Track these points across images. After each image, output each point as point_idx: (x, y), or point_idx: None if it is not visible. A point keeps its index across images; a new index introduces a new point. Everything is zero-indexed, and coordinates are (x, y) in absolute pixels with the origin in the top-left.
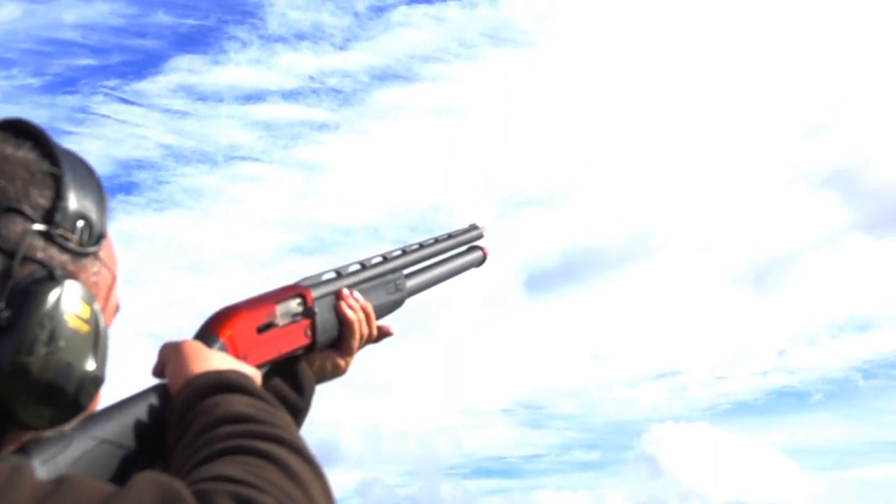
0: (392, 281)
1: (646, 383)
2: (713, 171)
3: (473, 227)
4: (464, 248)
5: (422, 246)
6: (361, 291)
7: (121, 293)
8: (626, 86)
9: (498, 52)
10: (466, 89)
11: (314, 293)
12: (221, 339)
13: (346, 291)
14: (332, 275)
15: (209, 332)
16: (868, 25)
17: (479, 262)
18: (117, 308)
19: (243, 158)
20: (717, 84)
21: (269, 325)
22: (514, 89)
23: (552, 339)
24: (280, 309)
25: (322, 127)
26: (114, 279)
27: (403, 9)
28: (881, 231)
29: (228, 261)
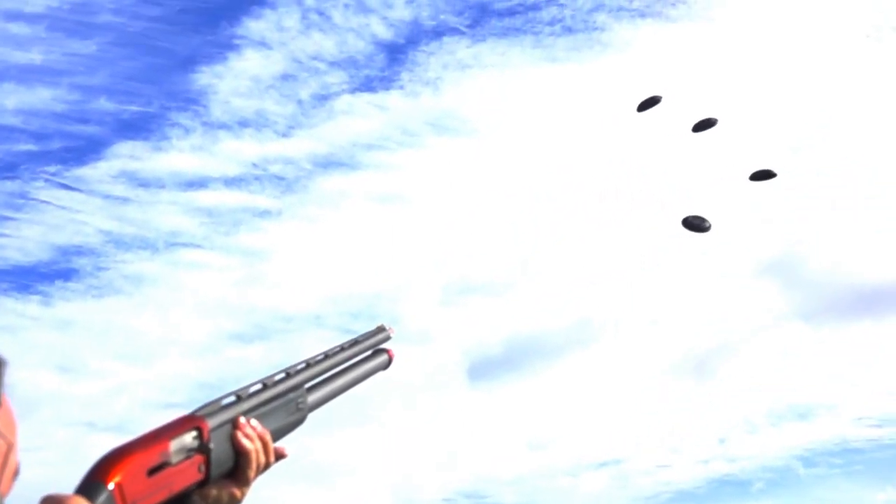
0: (293, 400)
1: (588, 472)
2: (654, 259)
3: (380, 330)
4: (370, 352)
5: (327, 356)
6: (261, 416)
7: (21, 456)
8: (568, 173)
9: (440, 140)
10: (410, 177)
11: (211, 423)
12: (109, 487)
13: (243, 420)
14: (233, 398)
15: (96, 480)
16: (807, 117)
17: (385, 366)
18: (16, 472)
19: (185, 245)
20: (654, 173)
21: (162, 466)
22: (456, 177)
23: (494, 428)
24: (174, 445)
25: (264, 214)
26: (10, 446)
27: (347, 97)
28: (820, 320)
29: (167, 348)
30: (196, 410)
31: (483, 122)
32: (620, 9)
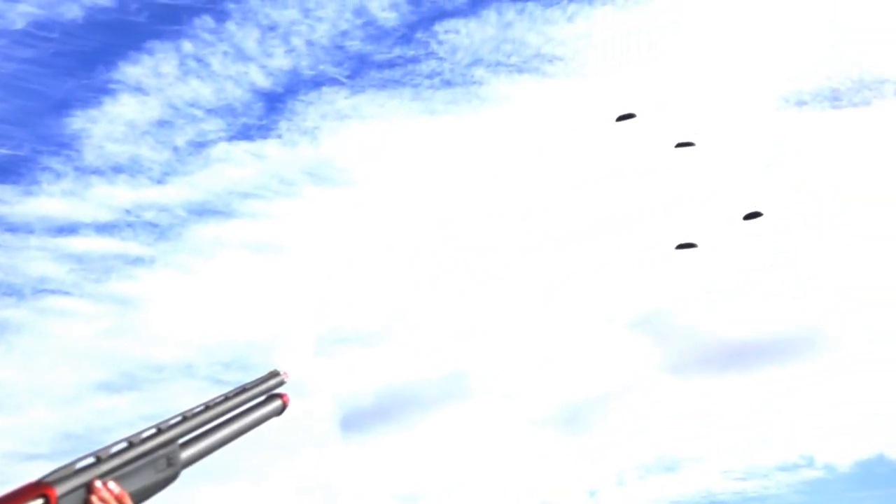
0: (163, 456)
1: None
2: (528, 314)
3: (273, 375)
4: (263, 398)
5: (208, 407)
6: (123, 476)
7: None
8: (444, 225)
9: (318, 189)
10: (285, 226)
11: (60, 489)
12: None
13: (98, 484)
14: (91, 460)
15: None
16: (667, 186)
17: (279, 412)
18: None
19: (53, 292)
20: (531, 227)
21: None
22: (333, 227)
23: (366, 480)
24: None
25: (137, 261)
26: None
27: (223, 145)
28: (687, 373)
29: (33, 397)
30: (46, 476)
31: (361, 173)
32: (499, 64)
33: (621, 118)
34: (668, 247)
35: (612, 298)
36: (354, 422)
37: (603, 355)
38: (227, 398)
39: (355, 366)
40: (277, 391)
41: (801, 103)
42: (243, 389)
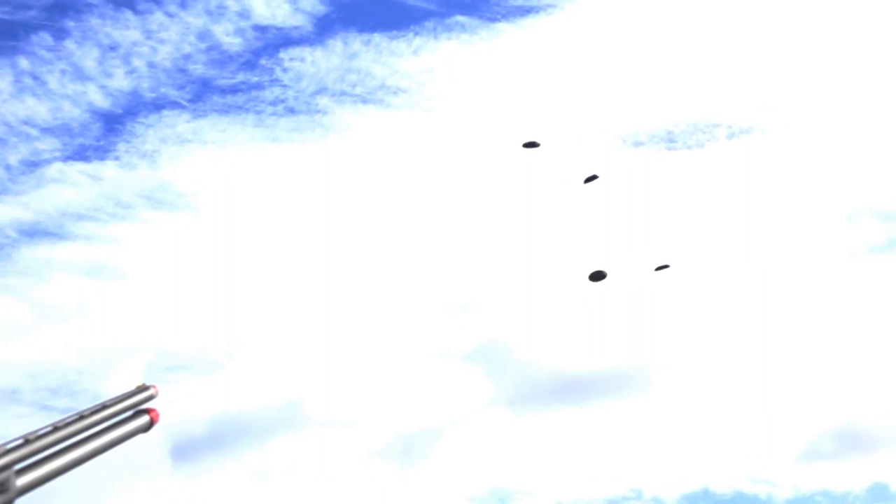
0: None
1: None
2: (366, 344)
3: (141, 389)
4: (130, 413)
5: (56, 427)
6: None
7: None
8: (284, 253)
9: (156, 214)
10: (121, 250)
11: None
12: None
13: None
14: None
15: None
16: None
17: (146, 428)
18: None
19: None
20: (370, 257)
21: None
22: (170, 252)
23: None
24: None
25: None
26: None
27: (58, 165)
28: (522, 406)
29: None
30: None
31: (201, 198)
32: (343, 93)
33: (528, 145)
34: (504, 281)
35: (449, 331)
36: (186, 451)
37: (439, 387)
38: (81, 417)
39: (189, 393)
40: (146, 406)
41: (637, 143)
42: (103, 407)
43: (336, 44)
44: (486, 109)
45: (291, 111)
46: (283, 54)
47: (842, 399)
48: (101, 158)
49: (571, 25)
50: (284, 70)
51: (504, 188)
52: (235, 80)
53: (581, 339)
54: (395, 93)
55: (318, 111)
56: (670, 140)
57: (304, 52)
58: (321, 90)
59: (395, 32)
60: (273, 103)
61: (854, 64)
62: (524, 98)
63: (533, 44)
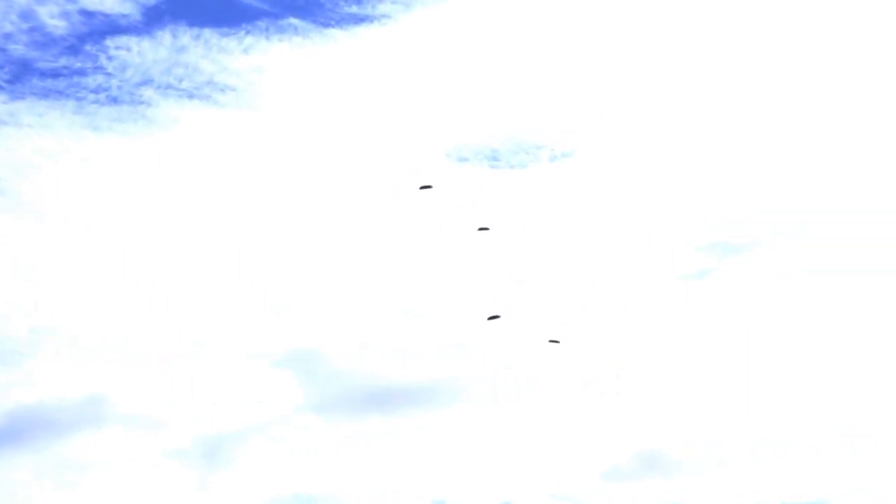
0: None
1: None
2: (171, 343)
3: None
4: None
5: None
6: None
7: None
8: (97, 243)
9: None
10: None
11: None
12: None
13: None
14: None
15: None
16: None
17: None
18: None
19: None
20: (189, 253)
21: None
22: None
23: None
24: None
25: None
26: None
27: None
28: (331, 413)
29: None
30: None
31: (12, 183)
32: (169, 87)
33: (423, 188)
34: (322, 286)
35: (258, 334)
36: None
37: (245, 390)
38: None
39: None
40: None
41: (462, 160)
42: None
43: (165, 36)
44: (314, 112)
45: (114, 100)
46: (108, 41)
47: (647, 423)
48: None
49: (404, 36)
50: (109, 58)
51: (329, 191)
52: (57, 63)
53: (396, 350)
54: (222, 90)
55: (142, 102)
56: (494, 158)
57: (130, 41)
58: (146, 81)
59: (226, 29)
60: (95, 91)
61: (677, 94)
62: (353, 103)
63: (365, 52)
